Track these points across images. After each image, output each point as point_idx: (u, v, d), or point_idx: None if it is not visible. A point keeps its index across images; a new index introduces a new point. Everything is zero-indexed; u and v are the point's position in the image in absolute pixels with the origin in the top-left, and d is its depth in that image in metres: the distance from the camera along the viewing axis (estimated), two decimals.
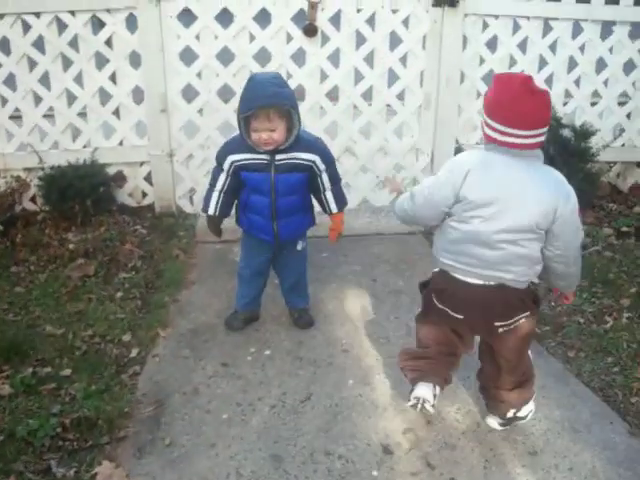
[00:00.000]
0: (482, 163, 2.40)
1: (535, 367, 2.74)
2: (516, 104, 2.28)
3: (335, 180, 3.34)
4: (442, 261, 2.52)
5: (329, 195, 3.33)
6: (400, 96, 5.02)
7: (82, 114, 5.02)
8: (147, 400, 2.99)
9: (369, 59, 4.89)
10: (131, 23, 4.77)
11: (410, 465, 2.56)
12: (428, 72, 4.92)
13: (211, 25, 4.74)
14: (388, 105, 5.04)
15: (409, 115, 5.02)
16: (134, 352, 3.38)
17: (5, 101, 4.88)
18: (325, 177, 3.28)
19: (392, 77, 4.97)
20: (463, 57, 4.96)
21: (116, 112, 5.01)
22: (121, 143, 5.07)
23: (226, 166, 3.20)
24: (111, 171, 5.06)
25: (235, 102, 4.31)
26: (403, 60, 4.93)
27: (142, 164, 5.10)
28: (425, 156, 5.08)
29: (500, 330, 2.49)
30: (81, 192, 4.72)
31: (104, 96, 4.97)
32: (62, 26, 4.78)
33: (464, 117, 5.13)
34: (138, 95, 4.94)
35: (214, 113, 4.94)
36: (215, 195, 3.28)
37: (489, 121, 2.37)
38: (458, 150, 5.05)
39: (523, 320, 2.49)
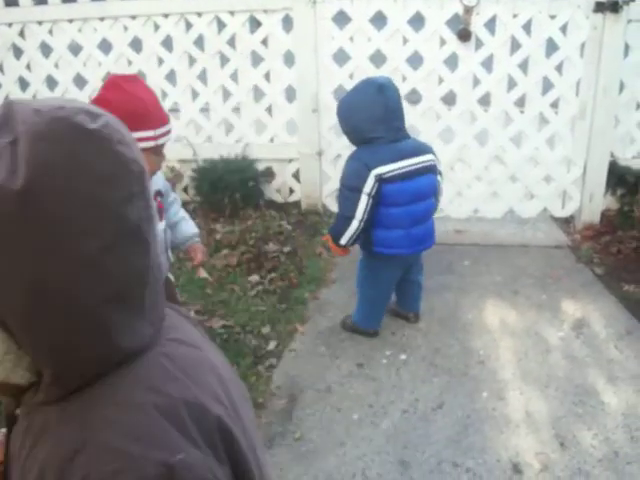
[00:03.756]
0: None
1: None
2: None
3: (338, 204, 3.34)
4: None
5: None
6: (554, 105, 4.85)
7: (236, 110, 5.20)
8: (281, 393, 3.07)
9: (523, 66, 4.77)
10: (287, 23, 4.89)
11: None
12: (585, 81, 4.73)
13: (365, 27, 4.78)
14: (541, 113, 4.90)
15: (562, 125, 4.85)
16: (272, 345, 3.47)
17: (165, 95, 5.11)
18: None
19: (546, 85, 4.81)
20: (623, 66, 4.73)
21: (268, 110, 5.15)
22: (272, 140, 5.22)
23: None
24: (260, 166, 5.21)
25: None
26: (559, 68, 4.76)
27: (291, 161, 5.22)
28: (577, 168, 4.89)
29: None
30: (231, 185, 4.90)
31: (258, 94, 5.12)
32: (221, 25, 4.97)
33: (621, 129, 4.89)
34: (290, 94, 5.05)
35: None
36: None
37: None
38: (613, 164, 4.85)
39: None
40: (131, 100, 2.11)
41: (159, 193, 2.49)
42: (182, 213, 2.79)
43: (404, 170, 3.08)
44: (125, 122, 1.98)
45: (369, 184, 3.03)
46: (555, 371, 3.18)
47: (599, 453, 2.64)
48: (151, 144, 2.16)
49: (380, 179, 3.04)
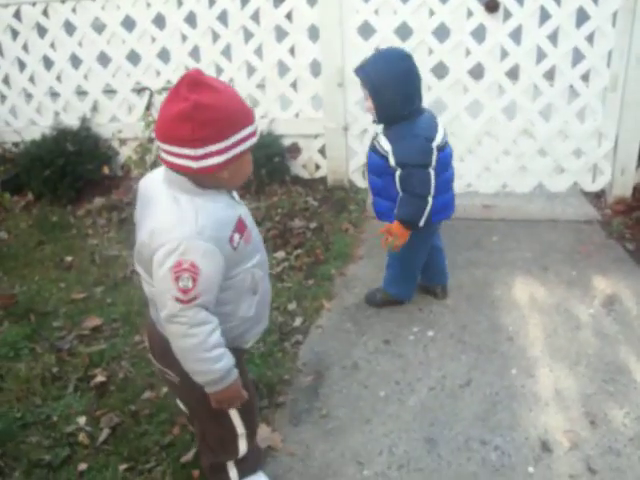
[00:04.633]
0: None
1: None
2: None
3: (404, 187, 3.06)
4: None
5: (399, 198, 3.11)
6: (584, 77, 4.73)
7: (260, 86, 5.16)
8: (307, 370, 3.07)
9: (553, 37, 4.65)
10: None
11: (569, 466, 2.43)
12: (617, 51, 4.59)
13: (390, 0, 4.70)
14: (571, 86, 4.78)
15: (593, 97, 4.72)
16: (298, 321, 3.48)
17: None
18: (396, 177, 3.05)
19: (577, 56, 4.69)
20: None
21: (293, 84, 5.11)
22: (297, 115, 5.19)
23: None
24: (286, 142, 5.19)
25: None
26: (590, 38, 4.61)
27: (317, 137, 5.18)
28: (608, 141, 4.76)
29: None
30: (257, 161, 4.75)
31: (282, 69, 5.07)
32: (245, 0, 4.92)
33: None
34: (315, 68, 4.99)
35: None
36: None
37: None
38: None
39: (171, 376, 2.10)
40: (230, 98, 1.79)
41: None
42: None
43: (445, 136, 3.11)
44: (234, 121, 1.78)
45: (434, 157, 3.00)
46: (585, 348, 3.14)
47: (630, 432, 2.60)
48: (254, 140, 1.85)
49: (438, 149, 3.02)
